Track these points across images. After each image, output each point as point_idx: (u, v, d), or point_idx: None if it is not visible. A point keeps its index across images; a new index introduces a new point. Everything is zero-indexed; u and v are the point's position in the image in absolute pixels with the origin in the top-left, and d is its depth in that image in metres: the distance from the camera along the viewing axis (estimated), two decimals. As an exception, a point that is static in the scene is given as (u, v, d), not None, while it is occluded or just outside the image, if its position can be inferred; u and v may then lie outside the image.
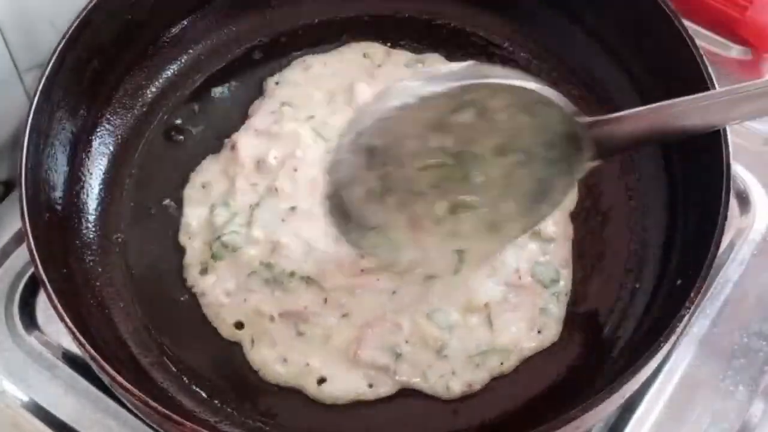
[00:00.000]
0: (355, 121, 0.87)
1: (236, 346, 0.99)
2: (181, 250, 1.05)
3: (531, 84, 0.84)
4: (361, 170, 0.87)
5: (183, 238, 1.06)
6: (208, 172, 1.10)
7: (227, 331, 1.00)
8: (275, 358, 0.98)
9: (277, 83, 1.15)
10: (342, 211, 0.90)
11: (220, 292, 1.01)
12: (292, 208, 1.03)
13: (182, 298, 1.02)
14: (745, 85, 0.83)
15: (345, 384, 0.96)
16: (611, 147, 0.88)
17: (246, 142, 1.09)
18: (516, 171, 0.89)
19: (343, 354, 0.97)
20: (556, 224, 1.04)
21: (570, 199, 1.06)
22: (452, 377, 0.96)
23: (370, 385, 0.96)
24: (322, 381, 0.97)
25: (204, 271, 1.03)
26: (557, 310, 1.00)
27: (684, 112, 0.86)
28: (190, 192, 1.09)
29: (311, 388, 0.96)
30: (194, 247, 1.05)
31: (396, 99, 0.83)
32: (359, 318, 0.98)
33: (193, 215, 1.07)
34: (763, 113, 0.86)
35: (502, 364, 0.97)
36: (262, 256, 1.01)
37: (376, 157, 0.87)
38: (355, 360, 0.96)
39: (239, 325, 1.00)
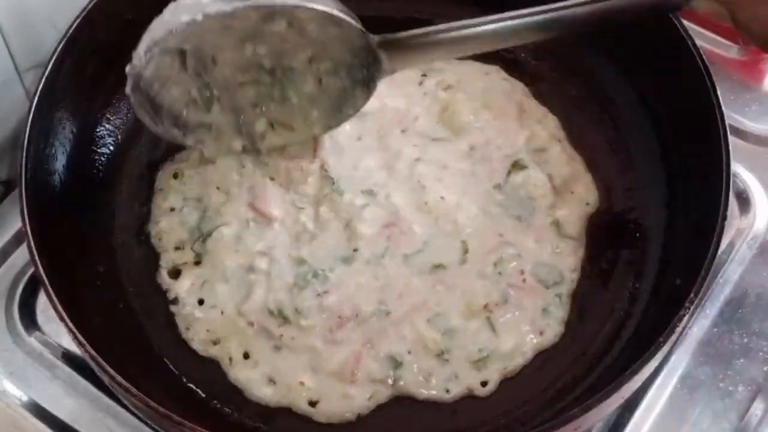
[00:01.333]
0: (149, 31, 0.89)
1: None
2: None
3: (317, 5, 0.88)
4: (174, 71, 0.91)
5: (154, 240, 1.05)
6: (187, 162, 1.09)
7: (202, 346, 0.99)
8: (260, 377, 0.96)
9: None
10: (153, 105, 0.93)
11: (193, 301, 1.00)
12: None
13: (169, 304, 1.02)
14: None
15: (341, 404, 0.95)
16: (407, 60, 0.94)
17: None
18: (325, 79, 0.96)
19: (337, 374, 0.96)
20: (578, 226, 1.04)
21: (591, 203, 1.06)
22: (454, 381, 0.96)
23: (369, 398, 0.95)
24: (314, 402, 0.95)
25: (175, 274, 1.02)
26: (559, 310, 1.00)
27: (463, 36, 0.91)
28: (162, 183, 1.08)
29: (303, 408, 0.95)
30: (167, 247, 1.04)
31: (186, 14, 0.86)
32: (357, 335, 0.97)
33: (162, 210, 1.06)
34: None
35: (505, 367, 0.97)
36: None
37: (188, 62, 0.91)
38: (353, 380, 0.95)
39: (215, 342, 0.98)
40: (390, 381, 0.95)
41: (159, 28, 0.87)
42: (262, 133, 1.01)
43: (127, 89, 0.91)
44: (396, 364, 0.96)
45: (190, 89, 0.95)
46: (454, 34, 0.91)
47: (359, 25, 0.90)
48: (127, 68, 0.90)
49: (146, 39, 0.88)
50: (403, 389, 0.96)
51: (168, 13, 0.88)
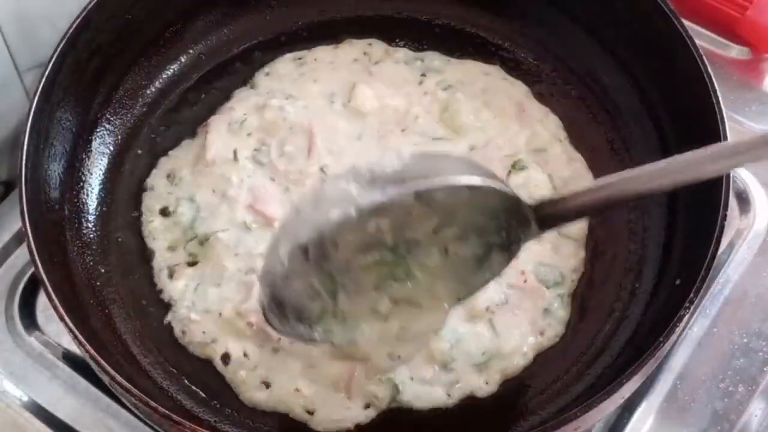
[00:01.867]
0: (285, 229, 0.83)
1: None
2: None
3: (476, 179, 0.80)
4: (298, 265, 0.82)
5: (148, 239, 1.04)
6: (177, 159, 1.08)
7: (199, 347, 0.98)
8: (256, 380, 0.95)
9: (267, 74, 1.15)
10: (278, 304, 0.85)
11: (189, 302, 0.99)
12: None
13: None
14: (688, 155, 0.78)
15: (338, 413, 0.94)
16: (558, 221, 0.85)
17: (220, 126, 1.08)
18: (451, 248, 0.85)
19: (334, 384, 0.95)
20: (578, 227, 1.03)
21: None
22: (456, 385, 0.95)
23: (367, 406, 0.94)
24: (311, 411, 0.94)
25: (172, 275, 1.02)
26: (560, 311, 0.99)
27: (628, 183, 0.80)
28: (154, 182, 1.07)
29: (300, 415, 0.94)
30: (161, 247, 1.03)
31: (334, 207, 0.78)
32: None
33: (154, 210, 1.05)
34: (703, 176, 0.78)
35: (505, 368, 0.96)
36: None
37: (310, 252, 0.81)
38: (349, 389, 0.94)
39: (212, 342, 0.98)
40: (391, 394, 0.94)
41: (301, 226, 0.78)
42: (387, 314, 0.88)
43: (263, 300, 0.84)
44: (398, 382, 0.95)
45: (313, 281, 0.84)
46: (603, 194, 0.80)
47: (513, 191, 0.80)
48: (261, 276, 0.83)
49: (286, 239, 0.79)
50: (403, 396, 0.95)
51: (308, 207, 0.79)
